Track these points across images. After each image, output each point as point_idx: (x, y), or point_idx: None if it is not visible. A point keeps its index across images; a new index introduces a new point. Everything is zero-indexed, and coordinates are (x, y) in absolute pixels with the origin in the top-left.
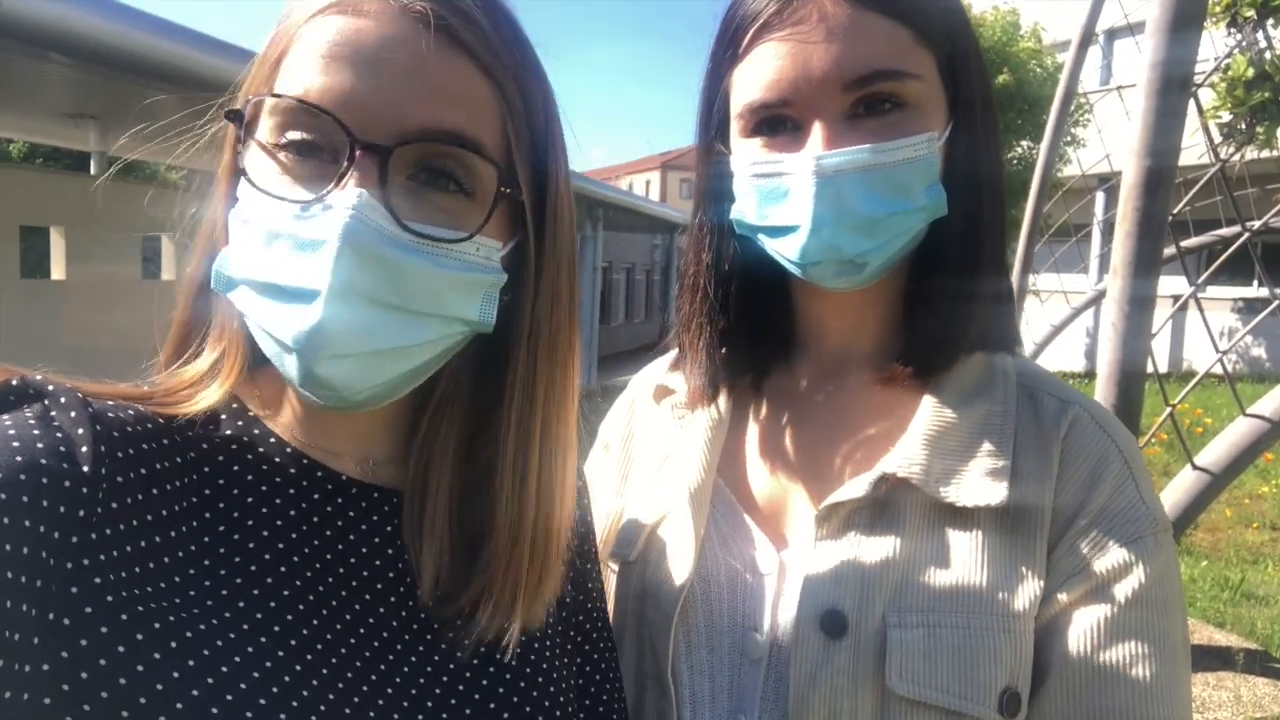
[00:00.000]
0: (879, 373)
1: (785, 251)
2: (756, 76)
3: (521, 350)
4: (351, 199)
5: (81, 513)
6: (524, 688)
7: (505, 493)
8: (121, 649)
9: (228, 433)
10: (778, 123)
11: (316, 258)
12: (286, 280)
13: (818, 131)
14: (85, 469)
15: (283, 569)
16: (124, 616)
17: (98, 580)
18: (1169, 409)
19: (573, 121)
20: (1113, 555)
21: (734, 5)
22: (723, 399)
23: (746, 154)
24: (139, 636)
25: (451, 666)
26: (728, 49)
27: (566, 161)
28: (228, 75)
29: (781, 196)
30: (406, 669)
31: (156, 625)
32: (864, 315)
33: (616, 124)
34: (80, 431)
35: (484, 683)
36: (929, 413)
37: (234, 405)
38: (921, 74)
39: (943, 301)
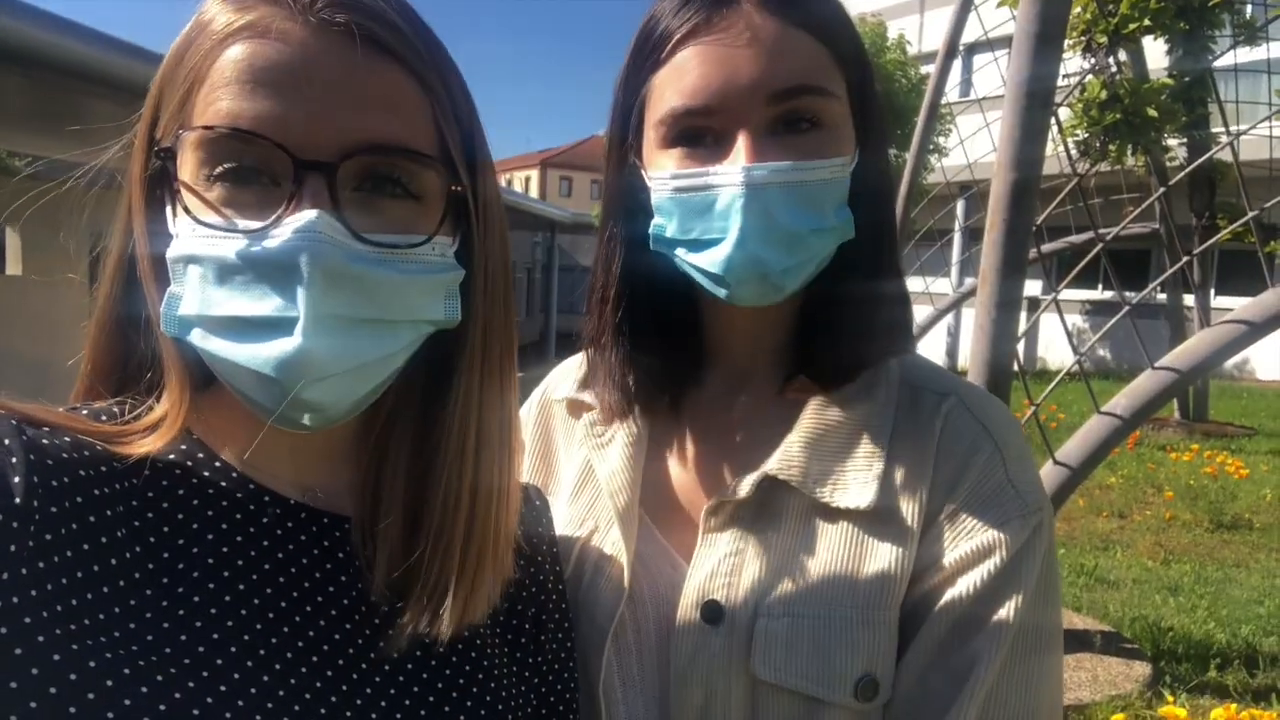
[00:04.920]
0: (784, 385)
1: (707, 265)
2: (681, 83)
3: (472, 337)
4: (308, 220)
5: (12, 547)
6: (472, 706)
7: (445, 479)
8: (53, 690)
9: (171, 458)
10: (698, 135)
11: (285, 285)
12: (255, 312)
13: (742, 143)
14: (16, 500)
15: (228, 597)
16: (56, 657)
17: (28, 620)
18: (1033, 407)
19: None
20: (974, 540)
21: (656, 10)
22: (640, 414)
23: (666, 166)
24: (72, 676)
25: (402, 698)
26: (650, 54)
27: (487, 147)
28: (81, 58)
29: (706, 209)
30: (360, 702)
31: (91, 663)
32: (770, 329)
33: (494, 121)
34: (13, 461)
35: (433, 699)
36: (811, 415)
37: None
38: (839, 95)
39: (848, 319)
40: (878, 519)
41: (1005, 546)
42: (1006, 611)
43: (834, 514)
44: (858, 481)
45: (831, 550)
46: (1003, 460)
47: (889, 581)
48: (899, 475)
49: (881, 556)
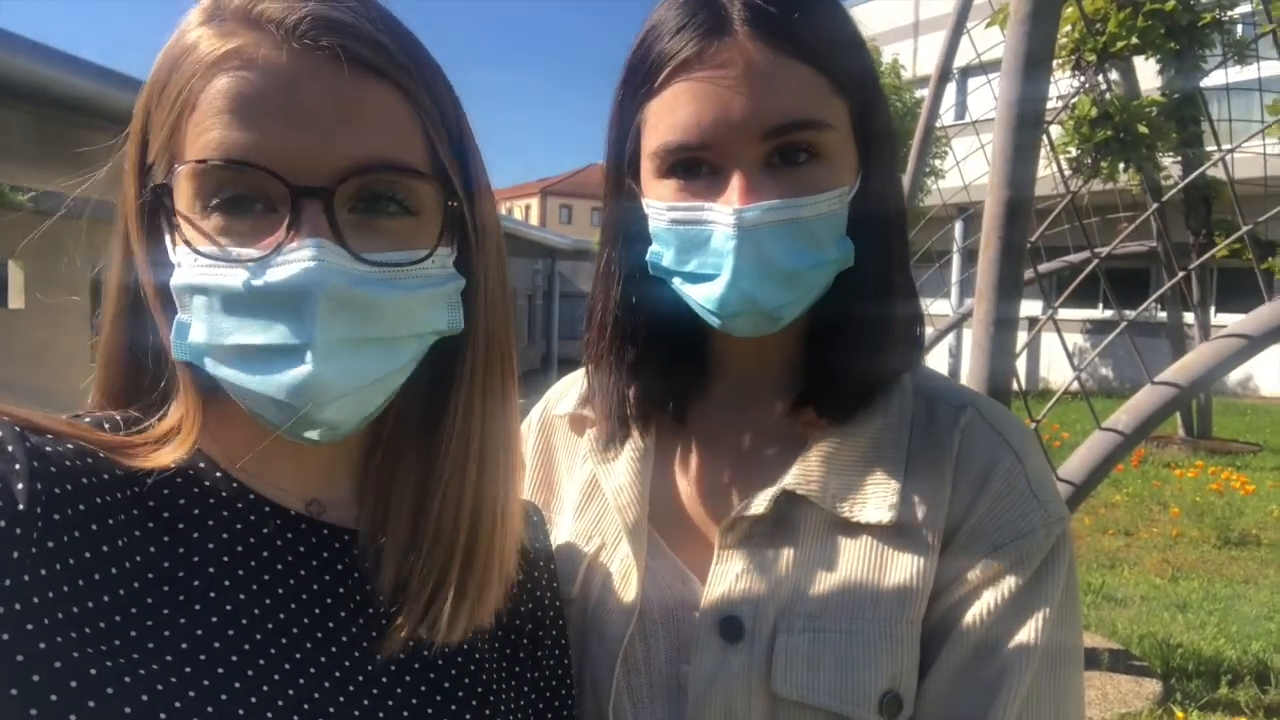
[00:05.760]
0: (792, 406)
1: (702, 299)
2: (673, 118)
3: (473, 346)
4: (311, 248)
5: (15, 553)
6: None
7: (447, 486)
8: (54, 696)
9: (174, 467)
10: (694, 166)
11: (293, 313)
12: (264, 340)
13: (736, 181)
14: (20, 507)
15: (228, 607)
16: (57, 663)
17: (29, 626)
18: (1033, 425)
19: None
20: (1000, 552)
21: (649, 38)
22: (645, 429)
23: (663, 196)
24: (73, 683)
25: (400, 709)
26: (642, 84)
27: (479, 153)
28: (76, 90)
29: (701, 245)
30: (357, 712)
31: (92, 670)
32: (776, 350)
33: (494, 149)
34: (17, 468)
35: (430, 712)
36: (827, 429)
37: None
38: (837, 125)
39: (856, 345)
40: (898, 532)
41: (1031, 558)
42: (1035, 624)
43: (854, 529)
44: (877, 495)
45: (851, 565)
46: (1024, 470)
47: (910, 594)
48: (918, 488)
49: (902, 569)
